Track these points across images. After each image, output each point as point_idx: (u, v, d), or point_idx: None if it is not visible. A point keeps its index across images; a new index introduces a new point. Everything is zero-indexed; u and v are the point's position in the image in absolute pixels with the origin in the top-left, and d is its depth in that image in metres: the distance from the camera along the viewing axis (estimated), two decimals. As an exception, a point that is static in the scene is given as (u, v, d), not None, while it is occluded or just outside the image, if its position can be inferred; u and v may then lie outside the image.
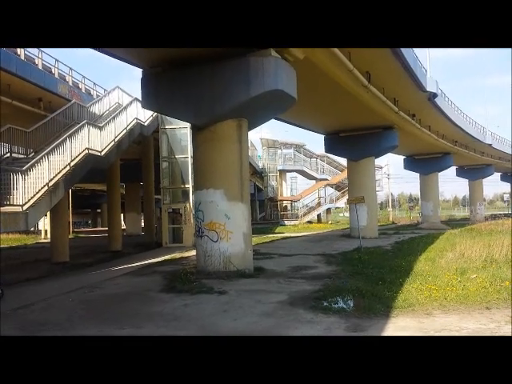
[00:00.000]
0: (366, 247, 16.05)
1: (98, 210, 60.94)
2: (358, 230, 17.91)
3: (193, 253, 15.50)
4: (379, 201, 59.53)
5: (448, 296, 7.56)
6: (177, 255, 16.08)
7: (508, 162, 45.08)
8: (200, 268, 11.16)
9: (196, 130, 11.83)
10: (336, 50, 11.97)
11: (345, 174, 37.50)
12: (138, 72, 11.91)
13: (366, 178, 23.94)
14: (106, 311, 7.38)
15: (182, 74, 11.15)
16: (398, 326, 6.03)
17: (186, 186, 20.27)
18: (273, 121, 21.44)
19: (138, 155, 24.00)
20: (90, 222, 69.41)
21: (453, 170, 45.37)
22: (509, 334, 5.57)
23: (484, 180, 48.17)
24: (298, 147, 47.08)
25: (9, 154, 13.52)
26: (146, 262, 14.45)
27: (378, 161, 33.17)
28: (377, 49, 13.47)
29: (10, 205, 10.58)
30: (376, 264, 11.72)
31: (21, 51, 15.61)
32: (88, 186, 41.32)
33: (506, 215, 46.20)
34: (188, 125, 19.51)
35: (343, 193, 45.25)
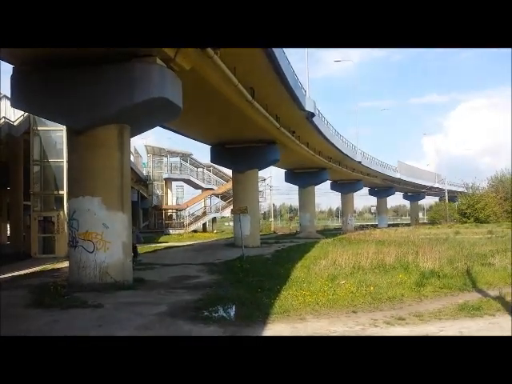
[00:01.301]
0: (249, 256, 16.46)
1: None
2: (241, 240, 18.31)
3: (66, 264, 14.36)
4: (262, 211, 61.74)
5: (320, 301, 8.08)
6: (47, 267, 14.80)
7: (375, 177, 50.12)
8: (73, 280, 10.40)
9: (73, 134, 11.10)
10: (221, 63, 12.19)
11: (230, 185, 38.22)
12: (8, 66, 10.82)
13: (250, 189, 24.67)
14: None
15: (59, 74, 10.43)
16: (274, 331, 6.27)
17: (60, 192, 18.76)
18: (159, 128, 21.09)
19: (6, 158, 21.70)
20: None
21: (328, 183, 49.08)
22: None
23: (354, 194, 52.93)
24: (185, 156, 46.80)
25: None
26: (11, 274, 13.01)
27: (262, 173, 34.60)
28: (261, 66, 14.09)
29: None
30: (257, 272, 12.08)
31: None
32: None
33: (372, 226, 51.12)
34: (64, 127, 18.23)
35: (229, 202, 45.98)
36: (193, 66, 11.81)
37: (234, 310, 7.98)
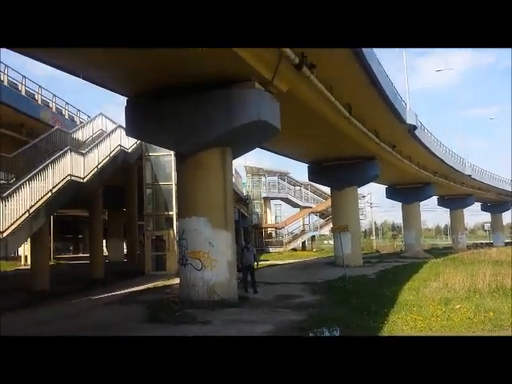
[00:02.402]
0: (351, 276, 16.02)
1: (80, 236, 59.92)
2: (343, 259, 17.89)
3: (176, 281, 15.25)
4: (363, 229, 59.89)
5: (433, 327, 7.55)
6: (160, 283, 15.80)
7: (487, 192, 46.04)
8: (183, 297, 10.96)
9: (180, 158, 11.85)
10: (318, 82, 12.21)
11: (329, 202, 37.73)
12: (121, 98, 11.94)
13: (350, 206, 24.12)
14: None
15: (166, 103, 11.24)
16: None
17: (170, 212, 20.10)
18: (257, 149, 21.68)
19: (122, 182, 23.84)
20: (71, 248, 68.02)
21: (434, 199, 46.17)
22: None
23: (465, 210, 48.99)
24: (282, 175, 47.44)
25: (-10, 180, 13.32)
26: (129, 290, 14.15)
27: (361, 189, 33.69)
28: (357, 81, 13.86)
29: (-12, 232, 10.35)
30: (361, 293, 11.67)
31: (4, 77, 15.59)
32: (70, 212, 40.63)
33: (487, 244, 46.80)
34: (172, 152, 19.54)
35: (327, 220, 45.40)
36: (289, 87, 12.01)
37: (339, 332, 7.77)
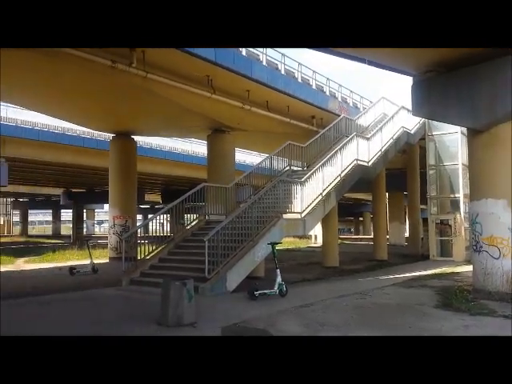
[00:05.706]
0: None
1: (360, 218, 62.99)
2: None
3: (465, 268, 14.27)
4: None
5: None
6: (446, 270, 15.00)
7: None
8: (477, 286, 10.04)
9: (472, 135, 10.78)
10: None
11: None
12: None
13: None
14: (379, 320, 7.44)
15: (455, 76, 10.35)
16: None
17: (456, 195, 18.77)
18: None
19: (402, 164, 23.66)
20: (352, 229, 72.50)
21: None
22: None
23: None
24: None
25: (288, 167, 15.40)
26: (414, 274, 13.99)
27: None
28: None
29: (290, 212, 11.98)
30: None
31: (298, 74, 17.56)
32: (350, 195, 43.14)
33: None
34: (458, 129, 18.13)
35: None
36: None
37: None
